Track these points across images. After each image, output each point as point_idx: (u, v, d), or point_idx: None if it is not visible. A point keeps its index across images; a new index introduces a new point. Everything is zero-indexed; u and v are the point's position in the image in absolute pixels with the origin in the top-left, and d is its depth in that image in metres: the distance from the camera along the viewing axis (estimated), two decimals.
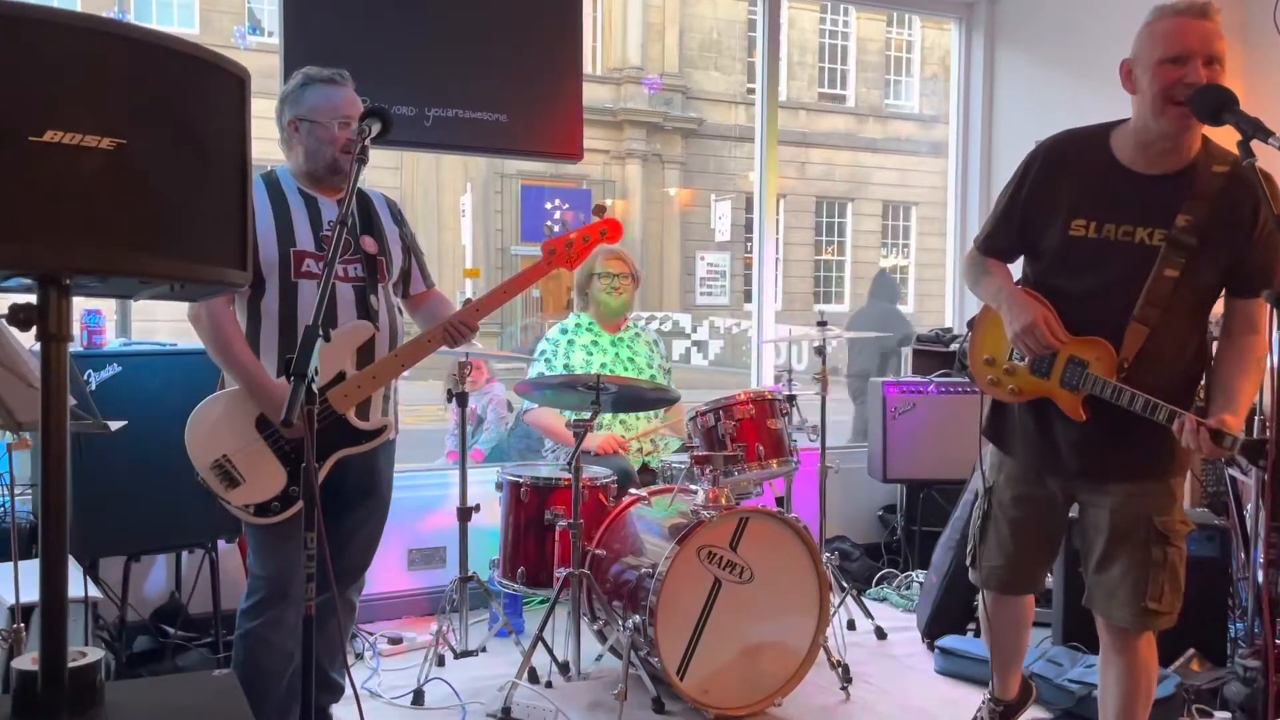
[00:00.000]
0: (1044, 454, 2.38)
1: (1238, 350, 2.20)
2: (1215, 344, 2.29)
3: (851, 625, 3.95)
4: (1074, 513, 2.49)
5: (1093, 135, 2.26)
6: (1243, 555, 3.49)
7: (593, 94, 15.87)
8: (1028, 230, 2.35)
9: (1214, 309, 2.30)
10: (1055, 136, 2.33)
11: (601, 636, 3.40)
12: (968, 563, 2.62)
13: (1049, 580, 3.40)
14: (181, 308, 2.28)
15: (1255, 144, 1.89)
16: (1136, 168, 2.19)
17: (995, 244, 2.45)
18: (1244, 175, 1.95)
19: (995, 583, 2.56)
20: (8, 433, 1.93)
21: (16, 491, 3.17)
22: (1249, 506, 3.51)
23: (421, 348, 2.60)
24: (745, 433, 3.45)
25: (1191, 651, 3.27)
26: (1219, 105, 1.98)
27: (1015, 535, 2.49)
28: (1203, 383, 2.31)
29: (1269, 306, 1.84)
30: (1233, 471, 3.55)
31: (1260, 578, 3.21)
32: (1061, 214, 2.25)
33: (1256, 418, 3.28)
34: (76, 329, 3.13)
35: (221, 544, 3.45)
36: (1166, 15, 2.10)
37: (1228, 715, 3.09)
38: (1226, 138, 2.03)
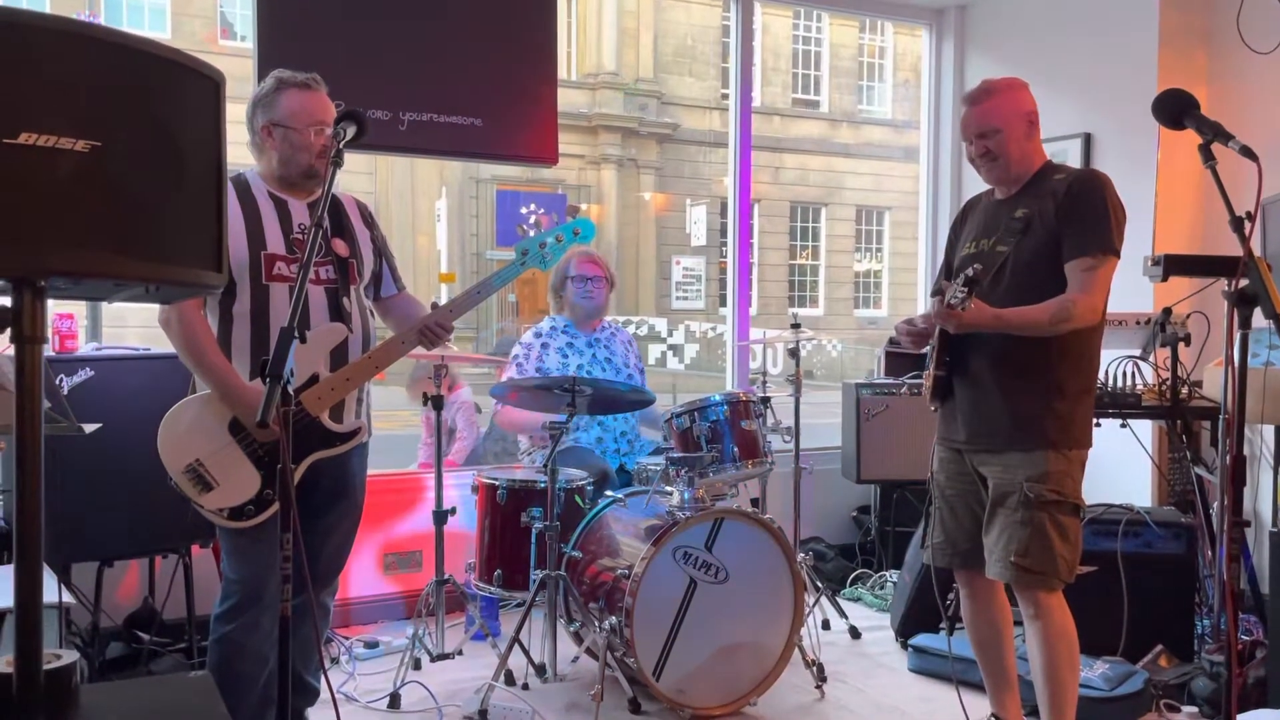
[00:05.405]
0: (951, 430, 2.71)
1: (1055, 298, 2.50)
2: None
3: (826, 625, 3.98)
4: None
5: (987, 190, 2.81)
6: (1209, 552, 3.55)
7: (567, 99, 15.88)
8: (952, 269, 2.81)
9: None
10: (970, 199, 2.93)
11: (578, 638, 3.41)
12: (920, 545, 2.86)
13: None
14: (152, 311, 2.27)
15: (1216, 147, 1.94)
16: (1000, 196, 2.73)
17: (936, 289, 2.84)
18: (1074, 178, 2.54)
19: (939, 558, 2.80)
20: None
21: None
22: (1214, 504, 3.57)
23: (395, 349, 2.61)
24: (720, 434, 3.48)
25: (1159, 648, 3.32)
26: (1180, 110, 2.04)
27: (951, 510, 2.76)
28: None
29: (1082, 271, 2.45)
30: (1199, 470, 3.61)
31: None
32: (961, 243, 2.81)
33: (1222, 417, 3.34)
34: (49, 332, 3.11)
35: (195, 548, 3.43)
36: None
37: (1195, 710, 3.14)
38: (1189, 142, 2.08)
